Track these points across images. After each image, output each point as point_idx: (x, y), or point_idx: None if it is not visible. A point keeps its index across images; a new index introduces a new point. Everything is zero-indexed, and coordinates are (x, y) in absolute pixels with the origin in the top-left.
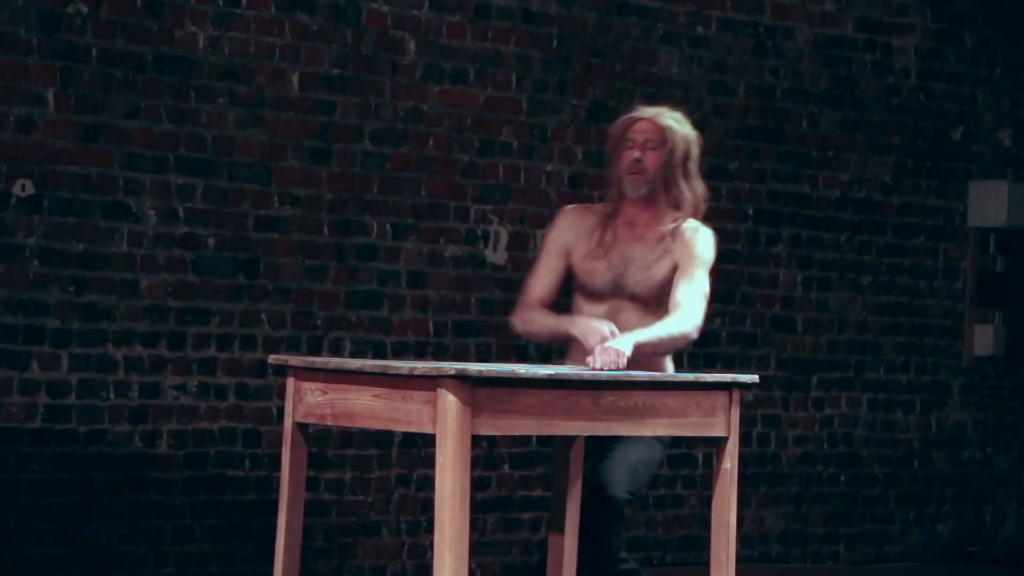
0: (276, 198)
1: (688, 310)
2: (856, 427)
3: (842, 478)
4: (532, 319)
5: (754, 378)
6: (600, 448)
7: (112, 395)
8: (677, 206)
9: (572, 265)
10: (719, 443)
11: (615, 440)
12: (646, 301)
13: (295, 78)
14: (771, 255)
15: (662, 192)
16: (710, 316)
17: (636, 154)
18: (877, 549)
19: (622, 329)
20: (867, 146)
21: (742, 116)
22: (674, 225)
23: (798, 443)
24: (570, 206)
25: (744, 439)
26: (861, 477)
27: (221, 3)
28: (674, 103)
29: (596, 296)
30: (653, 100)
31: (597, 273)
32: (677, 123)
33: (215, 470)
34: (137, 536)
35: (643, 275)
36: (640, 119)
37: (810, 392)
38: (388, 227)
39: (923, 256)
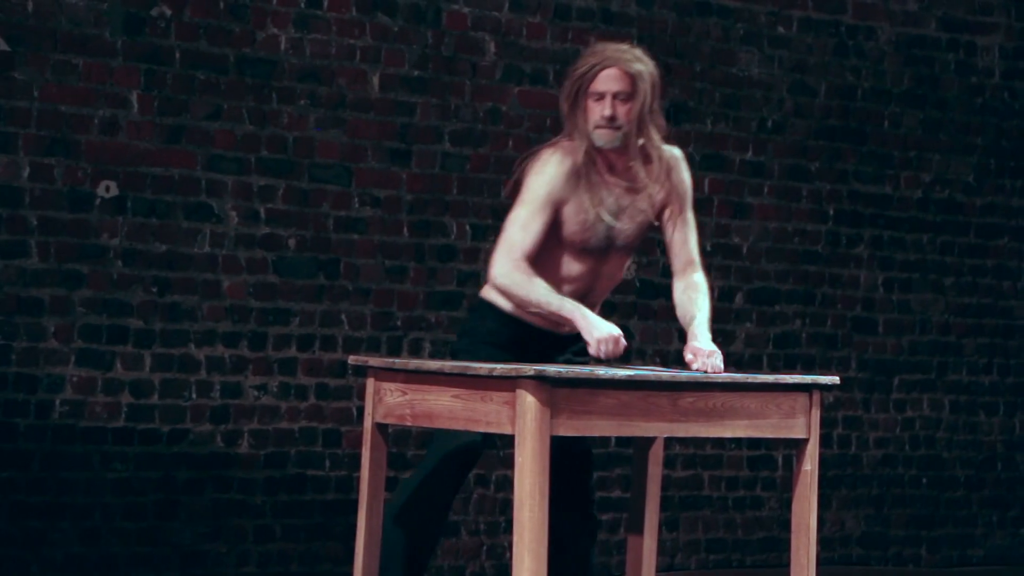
0: (356, 199)
1: (700, 264)
2: (938, 429)
3: (924, 480)
4: (526, 283)
5: (835, 379)
6: (567, 455)
7: (194, 395)
8: (646, 141)
9: (562, 219)
10: (799, 445)
11: (583, 453)
12: (630, 250)
13: (375, 79)
14: (852, 256)
15: (634, 136)
16: (790, 317)
17: (607, 110)
18: (959, 552)
19: (602, 280)
20: (950, 146)
21: (823, 116)
22: (651, 165)
23: (879, 445)
24: (553, 151)
25: (825, 441)
26: (943, 480)
27: (302, 5)
28: (754, 104)
29: (585, 252)
30: (733, 101)
31: (595, 230)
32: (644, 65)
33: (296, 470)
34: (219, 535)
35: (632, 225)
36: (607, 66)
37: (891, 394)
38: (468, 228)
39: (1006, 257)
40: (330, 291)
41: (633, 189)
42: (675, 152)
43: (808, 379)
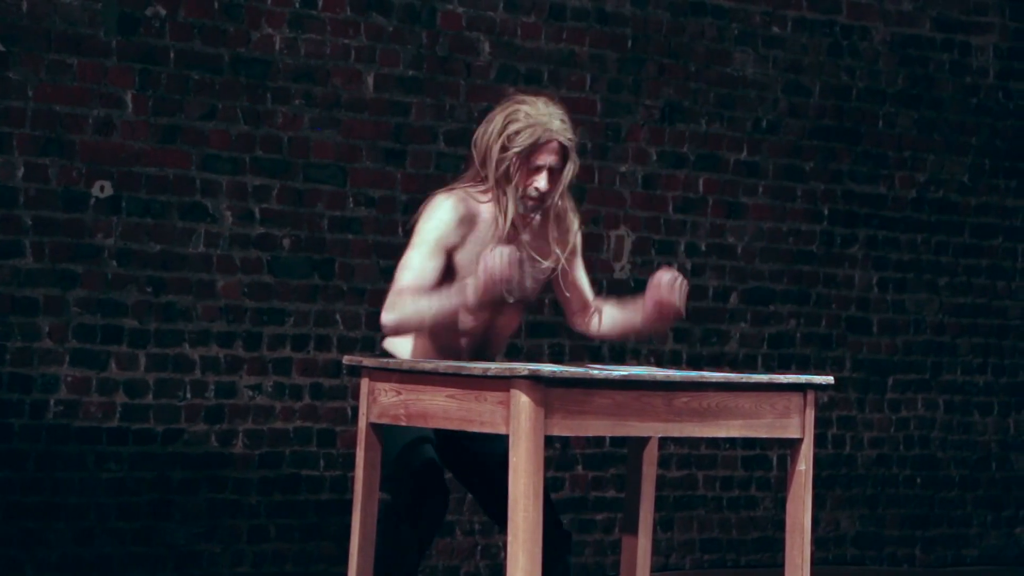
0: (351, 199)
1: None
2: (933, 429)
3: (918, 480)
4: (412, 303)
5: (829, 379)
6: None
7: (189, 395)
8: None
9: (455, 268)
10: (794, 445)
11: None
12: (527, 303)
13: (370, 79)
14: (847, 256)
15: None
16: (784, 316)
17: (543, 184)
18: (954, 552)
19: (498, 332)
20: (944, 146)
21: (818, 116)
22: (549, 221)
23: (874, 445)
24: (447, 196)
25: (819, 441)
26: (938, 480)
27: (297, 5)
28: (749, 104)
29: (479, 306)
30: (728, 101)
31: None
32: (572, 133)
33: (290, 470)
34: (214, 535)
35: (532, 282)
36: (549, 139)
37: (886, 394)
38: None
39: (1000, 257)
40: (325, 291)
41: (537, 247)
42: (561, 205)
43: (802, 379)
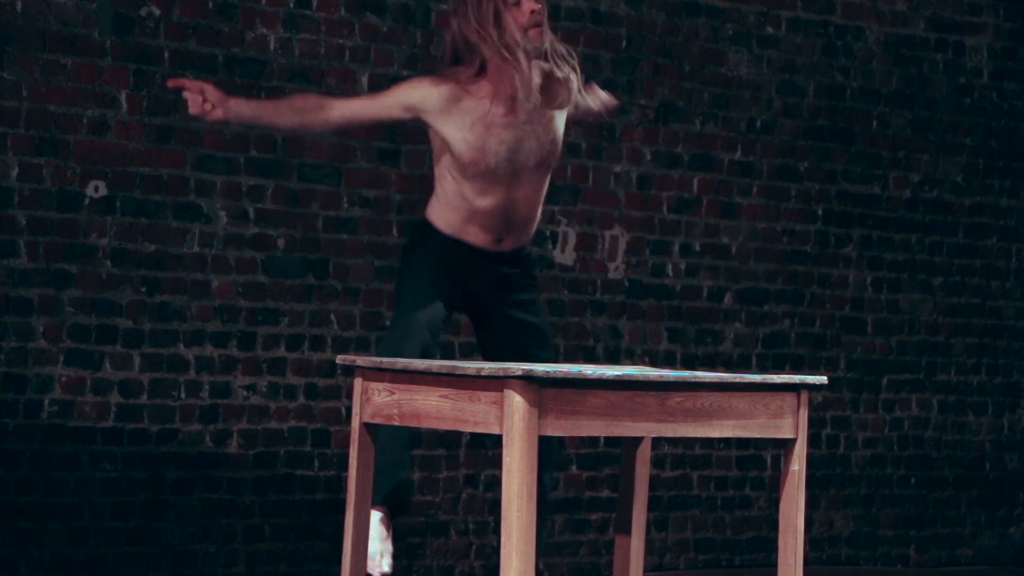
0: (346, 199)
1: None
2: (927, 429)
3: (912, 480)
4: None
5: (823, 379)
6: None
7: (183, 395)
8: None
9: (449, 142)
10: (787, 445)
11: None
12: (550, 165)
13: (364, 79)
14: (841, 256)
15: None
16: (779, 316)
17: (536, 6)
18: (948, 552)
19: (520, 207)
20: (938, 146)
21: (812, 116)
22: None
23: (868, 445)
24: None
25: (813, 441)
26: (932, 479)
27: (291, 5)
28: (743, 104)
29: (489, 178)
30: (722, 101)
31: (487, 152)
32: None
33: (285, 469)
34: (208, 535)
35: (548, 139)
36: None
37: (880, 394)
38: None
39: (995, 257)
40: (319, 291)
41: (541, 105)
42: (563, 65)
43: (796, 379)
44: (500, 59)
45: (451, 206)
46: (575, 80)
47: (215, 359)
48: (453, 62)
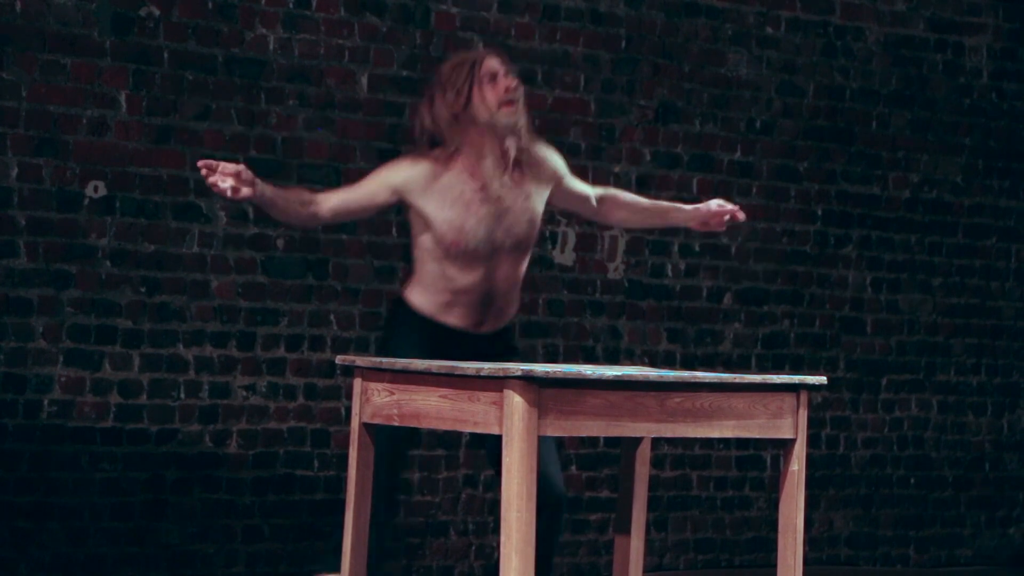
0: None
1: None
2: (926, 429)
3: (912, 481)
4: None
5: (822, 379)
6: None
7: (183, 395)
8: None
9: (429, 219)
10: (787, 445)
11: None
12: (525, 248)
13: (364, 80)
14: (840, 256)
15: (523, 115)
16: (778, 317)
17: (507, 83)
18: (947, 552)
19: (500, 286)
20: (938, 147)
21: (811, 117)
22: (523, 168)
23: (867, 445)
24: (407, 156)
25: (813, 441)
26: (931, 480)
27: (291, 5)
28: (743, 104)
29: (470, 258)
30: (721, 101)
31: (467, 232)
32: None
33: (284, 470)
34: (207, 535)
35: (526, 220)
36: (485, 55)
37: (880, 394)
38: None
39: (994, 257)
40: (319, 291)
41: (517, 182)
42: (540, 146)
43: (796, 379)
44: (475, 134)
45: (433, 288)
46: (555, 160)
47: (215, 359)
48: (431, 147)
